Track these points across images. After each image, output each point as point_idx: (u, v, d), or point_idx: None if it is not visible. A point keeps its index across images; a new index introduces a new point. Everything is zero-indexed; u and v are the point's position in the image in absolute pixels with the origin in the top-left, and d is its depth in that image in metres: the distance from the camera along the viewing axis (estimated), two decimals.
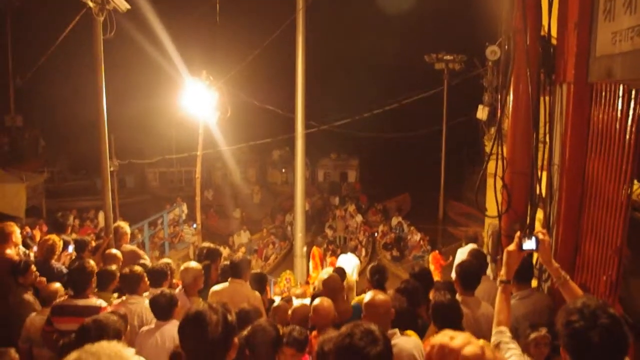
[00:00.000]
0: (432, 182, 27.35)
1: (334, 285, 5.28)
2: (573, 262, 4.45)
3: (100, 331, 2.96)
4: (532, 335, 3.70)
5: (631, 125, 3.54)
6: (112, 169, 8.85)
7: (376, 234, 23.84)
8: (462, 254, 7.39)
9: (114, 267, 5.45)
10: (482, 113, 13.34)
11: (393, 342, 3.40)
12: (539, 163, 4.91)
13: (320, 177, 33.87)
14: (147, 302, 4.84)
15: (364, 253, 21.66)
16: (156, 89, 24.55)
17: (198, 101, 12.70)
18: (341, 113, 17.47)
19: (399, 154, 31.78)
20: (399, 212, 26.32)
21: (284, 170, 33.27)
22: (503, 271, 3.06)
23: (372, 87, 32.97)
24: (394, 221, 24.63)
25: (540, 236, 3.01)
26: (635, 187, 4.85)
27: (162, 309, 4.31)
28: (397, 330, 3.67)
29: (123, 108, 18.63)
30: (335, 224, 24.65)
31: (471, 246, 7.58)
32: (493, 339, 2.80)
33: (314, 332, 4.29)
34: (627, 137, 3.58)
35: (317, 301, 4.32)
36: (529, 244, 3.01)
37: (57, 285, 4.96)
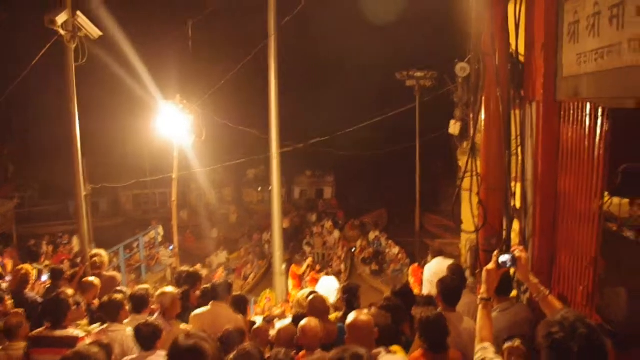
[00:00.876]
0: (407, 196, 27.60)
1: (320, 307, 5.29)
2: (550, 274, 4.56)
3: None
4: (506, 346, 3.76)
5: (599, 141, 3.68)
6: (85, 193, 8.72)
7: (354, 249, 23.88)
8: (429, 269, 7.43)
9: (119, 296, 5.30)
10: (454, 128, 13.57)
11: None
12: (512, 178, 5.04)
13: (297, 194, 33.82)
14: (128, 329, 4.80)
15: (343, 268, 21.68)
16: (129, 113, 24.41)
17: (172, 124, 12.67)
18: (316, 131, 17.58)
19: (374, 169, 32.02)
20: (376, 226, 26.43)
21: (260, 189, 33.14)
22: (483, 289, 3.13)
23: (345, 104, 33.27)
24: (372, 236, 24.73)
25: (517, 253, 3.10)
26: (606, 199, 5.02)
27: (147, 339, 4.27)
28: (382, 349, 3.71)
29: (96, 131, 18.43)
30: (313, 241, 24.63)
31: (438, 260, 7.63)
32: (477, 355, 2.85)
33: (302, 353, 4.29)
34: (596, 152, 3.72)
35: (304, 322, 4.33)
36: (507, 262, 3.09)
37: (19, 317, 4.84)
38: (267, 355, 3.99)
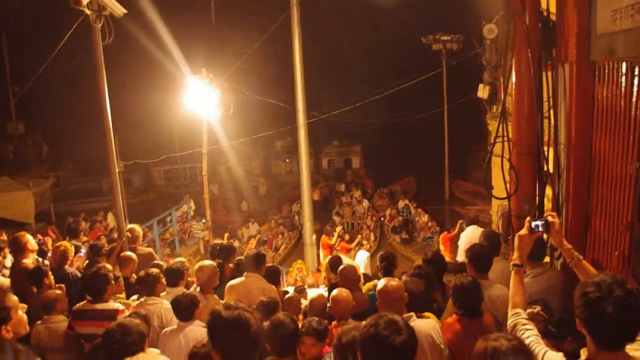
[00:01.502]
0: (436, 162, 27.37)
1: (351, 276, 5.35)
2: (584, 239, 4.49)
3: (125, 334, 3.03)
4: (527, 311, 3.75)
5: (636, 102, 3.56)
6: (118, 170, 8.89)
7: (383, 218, 23.91)
8: (466, 237, 7.41)
9: (156, 270, 5.44)
10: (482, 92, 13.35)
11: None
12: (545, 142, 4.94)
13: (325, 164, 33.88)
14: (165, 302, 4.93)
15: (372, 237, 21.76)
16: (158, 89, 24.64)
17: (200, 99, 12.73)
18: (342, 100, 17.48)
19: (402, 137, 31.72)
20: (405, 194, 26.36)
21: (287, 161, 33.28)
22: (515, 255, 3.10)
23: (371, 72, 32.84)
24: (401, 204, 24.68)
25: (550, 218, 3.06)
26: None
27: (185, 309, 4.38)
28: (412, 313, 3.75)
29: (125, 109, 18.68)
30: (342, 211, 24.72)
31: (472, 228, 7.62)
32: (509, 321, 2.85)
33: (334, 323, 4.35)
34: (633, 113, 3.60)
35: (335, 292, 4.37)
36: (540, 227, 3.06)
37: (57, 292, 5.02)
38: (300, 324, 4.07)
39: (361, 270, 10.52)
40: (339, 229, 18.00)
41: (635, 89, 3.56)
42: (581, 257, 2.99)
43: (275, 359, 3.63)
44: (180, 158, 27.23)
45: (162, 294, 5.23)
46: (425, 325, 3.66)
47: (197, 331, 4.30)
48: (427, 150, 29.22)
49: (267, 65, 25.68)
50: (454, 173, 27.21)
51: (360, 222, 23.85)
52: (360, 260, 10.66)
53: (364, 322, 2.58)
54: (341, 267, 5.67)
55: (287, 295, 6.22)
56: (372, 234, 22.00)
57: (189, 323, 4.37)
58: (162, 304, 4.98)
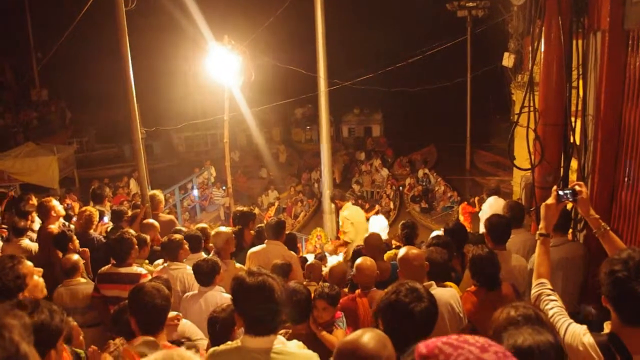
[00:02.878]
0: (458, 132, 27.03)
1: (375, 243, 5.39)
2: (609, 211, 4.43)
3: (150, 297, 3.11)
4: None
5: None
6: (141, 136, 8.98)
7: (402, 187, 23.84)
8: (490, 207, 7.35)
9: (178, 236, 5.54)
10: (508, 60, 13.04)
11: None
12: (572, 113, 4.83)
13: (345, 132, 33.69)
14: (188, 267, 5.04)
15: (392, 206, 21.76)
16: (180, 56, 24.62)
17: (221, 66, 12.68)
18: (363, 68, 17.24)
19: (424, 106, 31.24)
20: (425, 164, 26.18)
21: (308, 128, 33.17)
22: (542, 225, 3.06)
23: (393, 39, 32.24)
24: (420, 173, 24.55)
25: (578, 188, 3.01)
26: None
27: (206, 275, 4.47)
28: (433, 282, 3.77)
29: (147, 75, 18.71)
30: (362, 179, 24.70)
31: (494, 199, 7.56)
32: (534, 290, 2.83)
33: (358, 291, 4.40)
34: None
35: (360, 260, 4.40)
36: (567, 197, 3.01)
37: (75, 257, 5.14)
38: None
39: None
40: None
41: None
42: (608, 228, 2.94)
43: (291, 326, 3.70)
44: (201, 125, 27.29)
45: (184, 260, 5.34)
46: (446, 293, 3.69)
47: (217, 296, 4.41)
48: (449, 120, 28.82)
49: (288, 31, 25.37)
50: (475, 143, 26.87)
51: (379, 190, 23.83)
52: (382, 226, 10.69)
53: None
54: (367, 235, 5.71)
55: (308, 262, 6.31)
56: (391, 203, 22.00)
57: (210, 288, 4.47)
58: (184, 269, 5.09)
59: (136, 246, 5.16)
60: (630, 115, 4.04)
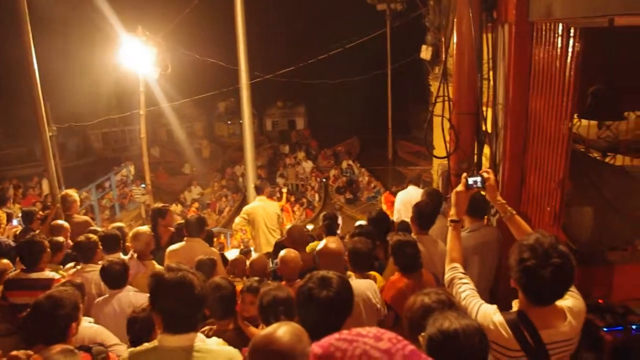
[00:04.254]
0: (380, 123, 27.61)
1: (298, 235, 5.37)
2: (519, 196, 4.66)
3: (55, 306, 2.92)
4: None
5: (570, 63, 3.65)
6: (50, 134, 8.46)
7: (327, 179, 24.08)
8: (406, 194, 7.44)
9: (93, 237, 5.25)
10: (425, 53, 13.42)
11: None
12: (484, 102, 5.03)
13: (269, 126, 33.56)
14: None
15: (317, 198, 21.92)
16: (93, 49, 23.36)
17: (136, 58, 12.18)
18: (285, 60, 17.18)
19: (347, 98, 31.70)
20: (349, 155, 26.57)
21: (230, 122, 32.69)
22: (453, 211, 3.16)
23: (315, 33, 32.35)
24: (344, 164, 24.90)
25: (486, 175, 3.12)
26: (575, 121, 5.06)
27: (116, 277, 4.27)
28: (352, 273, 3.80)
29: (58, 70, 17.67)
30: (287, 172, 24.71)
31: (411, 188, 7.69)
32: (447, 275, 2.91)
33: (282, 283, 4.36)
34: (567, 74, 3.70)
35: (283, 252, 4.37)
36: (475, 183, 3.12)
37: (5, 261, 4.79)
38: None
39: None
40: (285, 190, 17.99)
41: (570, 50, 3.64)
42: (514, 212, 3.08)
43: (216, 321, 3.61)
44: (120, 121, 26.23)
45: (100, 262, 5.08)
46: (362, 284, 3.74)
47: (131, 296, 4.23)
48: (371, 112, 29.38)
49: (208, 24, 24.83)
50: (397, 134, 27.57)
51: (304, 183, 23.94)
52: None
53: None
54: (289, 226, 5.68)
55: (232, 257, 6.19)
56: (316, 195, 22.16)
57: (121, 290, 4.27)
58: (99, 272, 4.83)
59: (48, 249, 4.84)
60: (535, 104, 4.25)
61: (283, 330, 1.74)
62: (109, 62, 14.00)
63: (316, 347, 1.07)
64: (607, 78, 4.82)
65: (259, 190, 8.38)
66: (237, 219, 8.25)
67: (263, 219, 8.01)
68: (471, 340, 1.80)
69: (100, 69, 19.33)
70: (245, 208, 8.37)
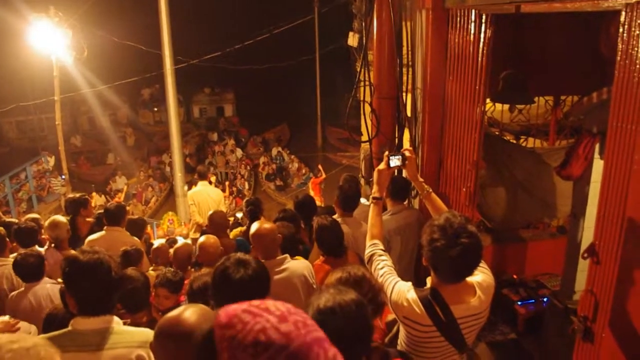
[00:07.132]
0: (310, 110, 27.70)
1: (219, 220, 5.32)
2: (437, 177, 4.81)
3: None
4: None
5: (482, 48, 3.79)
6: None
7: (256, 167, 23.94)
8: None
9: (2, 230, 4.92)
10: (352, 40, 13.53)
11: (284, 266, 3.55)
12: (404, 87, 5.14)
13: (196, 113, 32.78)
14: None
15: (247, 186, 21.75)
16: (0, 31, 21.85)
17: (48, 41, 11.48)
18: (212, 46, 16.82)
19: (276, 85, 31.53)
20: (279, 142, 26.51)
21: (156, 110, 31.67)
22: (375, 189, 3.20)
23: (243, 18, 31.87)
24: (274, 152, 24.83)
25: (407, 153, 3.19)
26: (488, 105, 5.29)
27: (31, 270, 4.05)
28: (287, 255, 3.81)
29: None
30: (216, 160, 24.32)
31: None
32: (367, 250, 2.95)
33: (203, 269, 4.30)
34: (480, 59, 3.84)
35: (202, 239, 4.32)
36: (396, 161, 3.19)
37: None
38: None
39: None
40: (213, 178, 17.73)
41: (482, 35, 3.78)
42: (431, 190, 3.17)
43: (129, 315, 3.49)
44: (36, 108, 24.73)
45: (12, 255, 4.79)
46: (300, 265, 3.74)
47: (48, 288, 4.04)
48: (300, 98, 29.39)
49: (129, 4, 23.84)
50: (326, 120, 27.76)
51: (234, 171, 23.67)
52: None
53: None
54: (210, 212, 5.61)
55: (154, 246, 6.02)
56: (246, 183, 21.98)
57: (37, 283, 4.07)
58: (11, 266, 4.57)
59: None
60: (451, 89, 4.39)
61: (190, 312, 1.70)
62: (21, 45, 13.16)
63: (222, 315, 1.04)
64: (518, 63, 5.07)
65: (201, 176, 8.43)
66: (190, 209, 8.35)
67: (207, 204, 8.15)
68: (347, 313, 1.78)
69: (11, 52, 18.15)
70: (190, 193, 8.38)
